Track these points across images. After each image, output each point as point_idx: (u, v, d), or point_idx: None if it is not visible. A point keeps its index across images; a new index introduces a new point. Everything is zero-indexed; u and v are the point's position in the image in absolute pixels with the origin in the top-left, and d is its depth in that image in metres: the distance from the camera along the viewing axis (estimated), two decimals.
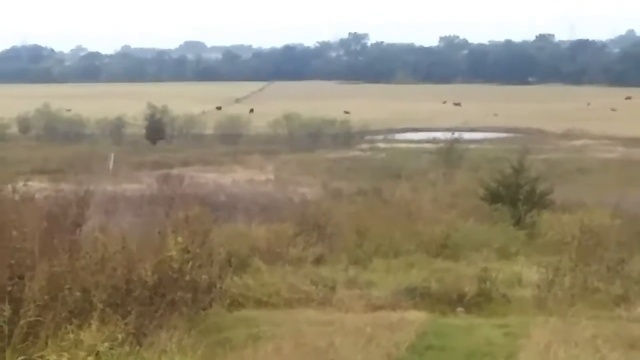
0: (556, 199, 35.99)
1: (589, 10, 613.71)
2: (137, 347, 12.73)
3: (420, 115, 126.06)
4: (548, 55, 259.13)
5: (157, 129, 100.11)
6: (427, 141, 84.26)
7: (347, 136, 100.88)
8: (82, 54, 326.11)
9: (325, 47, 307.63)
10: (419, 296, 18.83)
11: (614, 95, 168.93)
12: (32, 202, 15.30)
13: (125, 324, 12.91)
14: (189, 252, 14.73)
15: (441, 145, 69.40)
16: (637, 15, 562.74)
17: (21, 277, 12.80)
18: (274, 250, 23.76)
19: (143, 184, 53.45)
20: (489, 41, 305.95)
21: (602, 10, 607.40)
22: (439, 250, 26.60)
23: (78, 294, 13.06)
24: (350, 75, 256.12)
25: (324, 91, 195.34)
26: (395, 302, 18.46)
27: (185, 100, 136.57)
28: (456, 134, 69.56)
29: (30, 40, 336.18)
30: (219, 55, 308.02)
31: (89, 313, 12.86)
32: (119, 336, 12.54)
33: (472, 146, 76.94)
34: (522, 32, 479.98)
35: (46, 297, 12.68)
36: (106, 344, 12.28)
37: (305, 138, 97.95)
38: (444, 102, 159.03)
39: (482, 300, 18.83)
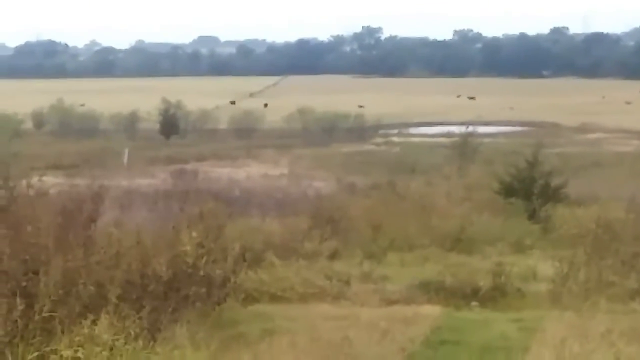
0: (571, 192, 35.89)
1: (603, 3, 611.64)
2: (152, 342, 12.75)
3: (435, 109, 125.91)
4: (562, 49, 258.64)
5: (171, 123, 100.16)
6: (442, 135, 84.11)
7: (361, 130, 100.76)
8: (96, 49, 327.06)
9: (339, 41, 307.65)
10: (433, 290, 18.81)
11: (629, 89, 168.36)
12: (46, 197, 15.32)
13: (140, 319, 12.92)
14: (203, 247, 14.74)
15: (455, 139, 69.23)
16: None
17: (36, 272, 12.83)
18: (288, 245, 23.80)
19: (157, 179, 53.55)
20: (503, 34, 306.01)
21: (616, 3, 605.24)
22: (453, 245, 26.61)
23: (92, 288, 13.08)
24: (364, 69, 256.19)
25: (338, 85, 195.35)
26: (410, 297, 18.46)
27: (199, 95, 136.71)
28: (470, 128, 69.40)
29: (45, 36, 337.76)
30: (233, 50, 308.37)
31: (104, 308, 12.87)
32: (133, 331, 12.56)
33: (486, 140, 76.71)
34: (536, 25, 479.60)
35: (61, 292, 12.71)
36: (121, 339, 12.29)
37: (320, 132, 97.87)
38: (458, 96, 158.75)
39: (496, 295, 18.81)
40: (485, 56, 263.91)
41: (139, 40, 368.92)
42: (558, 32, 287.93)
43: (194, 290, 14.33)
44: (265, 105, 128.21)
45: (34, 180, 15.80)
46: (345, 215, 28.84)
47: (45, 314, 12.43)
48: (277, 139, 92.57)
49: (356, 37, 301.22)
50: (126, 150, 75.91)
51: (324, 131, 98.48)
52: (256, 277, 18.35)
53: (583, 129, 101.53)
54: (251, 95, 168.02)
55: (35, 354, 12.07)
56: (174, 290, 14.01)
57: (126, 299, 13.29)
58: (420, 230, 27.84)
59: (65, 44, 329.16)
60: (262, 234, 24.72)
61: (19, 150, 71.82)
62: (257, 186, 50.41)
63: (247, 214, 30.72)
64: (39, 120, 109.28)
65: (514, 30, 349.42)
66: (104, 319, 12.51)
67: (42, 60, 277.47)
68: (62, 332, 12.38)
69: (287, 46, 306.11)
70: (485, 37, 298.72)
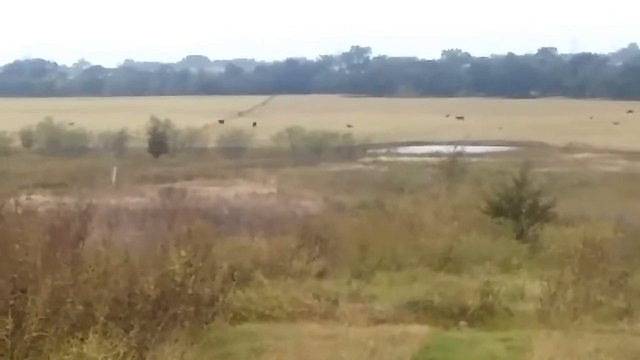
0: (559, 212, 35.95)
1: (591, 23, 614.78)
2: None
3: (423, 129, 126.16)
4: (550, 69, 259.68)
5: (159, 142, 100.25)
6: (430, 154, 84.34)
7: (349, 149, 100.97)
8: (85, 67, 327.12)
9: (327, 60, 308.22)
10: (421, 310, 18.78)
11: (616, 109, 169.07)
12: (34, 215, 15.29)
13: (128, 338, 12.89)
14: (191, 265, 14.71)
15: (444, 158, 69.21)
16: (639, 28, 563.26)
17: (24, 291, 12.80)
18: (276, 264, 23.71)
19: (146, 197, 53.53)
20: (491, 54, 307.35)
21: (604, 24, 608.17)
22: (441, 264, 26.55)
23: (80, 307, 13.04)
24: (353, 88, 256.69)
25: (327, 104, 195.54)
26: (398, 316, 18.42)
27: (188, 114, 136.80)
28: (459, 148, 69.41)
29: (34, 54, 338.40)
30: (222, 69, 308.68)
31: (92, 327, 12.84)
32: (122, 350, 12.53)
33: (474, 160, 76.92)
34: (524, 45, 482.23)
35: (49, 310, 12.67)
36: (109, 358, 12.26)
37: (308, 151, 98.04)
38: (447, 116, 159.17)
39: (484, 314, 18.78)
40: (474, 76, 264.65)
41: (128, 59, 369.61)
42: (546, 53, 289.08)
43: (182, 309, 14.29)
44: (254, 124, 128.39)
45: (22, 198, 15.78)
46: (333, 235, 28.79)
47: (34, 333, 12.40)
48: (266, 158, 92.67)
49: (345, 56, 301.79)
50: (115, 169, 75.84)
51: (313, 150, 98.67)
52: (244, 296, 18.30)
53: (571, 148, 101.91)
54: (240, 114, 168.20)
55: None
56: (162, 309, 13.97)
57: (114, 318, 13.26)
58: (409, 250, 27.80)
59: (54, 63, 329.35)
60: (250, 252, 24.65)
61: (7, 168, 71.88)
62: (246, 205, 50.47)
63: (235, 233, 30.66)
64: (27, 138, 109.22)
65: (502, 50, 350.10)
66: (92, 338, 12.49)
67: (30, 79, 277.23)
68: (51, 351, 12.36)
69: (276, 65, 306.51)
70: (474, 57, 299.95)
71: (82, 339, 12.51)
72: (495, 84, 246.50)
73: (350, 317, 18.24)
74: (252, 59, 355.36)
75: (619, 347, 14.95)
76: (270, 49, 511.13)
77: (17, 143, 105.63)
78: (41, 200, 27.13)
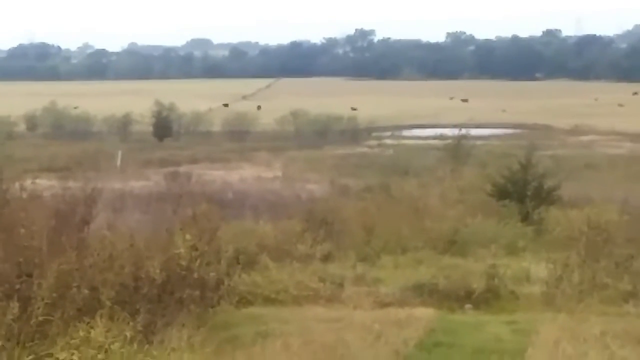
0: (564, 194, 35.91)
1: (596, 5, 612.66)
2: (146, 345, 12.73)
3: (428, 112, 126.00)
4: (555, 51, 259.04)
5: (164, 126, 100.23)
6: (435, 137, 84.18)
7: (354, 133, 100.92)
8: (89, 51, 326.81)
9: (331, 43, 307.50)
10: (427, 293, 18.79)
11: (621, 91, 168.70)
12: (39, 200, 15.28)
13: (134, 322, 12.90)
14: (197, 249, 14.70)
15: (448, 141, 69.08)
16: None
17: (30, 275, 12.81)
18: (281, 247, 23.74)
19: (151, 181, 53.56)
20: (495, 37, 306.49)
21: (609, 6, 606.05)
22: (446, 247, 26.58)
23: (86, 291, 13.05)
24: (357, 71, 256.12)
25: (331, 88, 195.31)
26: (403, 299, 18.44)
27: (192, 98, 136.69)
28: (463, 130, 69.24)
29: (37, 38, 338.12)
30: (226, 52, 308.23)
31: (98, 311, 12.85)
32: (128, 334, 12.54)
33: (479, 142, 76.73)
34: (529, 27, 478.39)
35: (55, 295, 12.68)
36: (116, 342, 12.28)
37: (313, 135, 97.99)
38: (451, 98, 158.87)
39: (490, 297, 18.79)
40: (478, 58, 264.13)
41: (132, 42, 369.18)
42: (551, 35, 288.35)
43: (187, 293, 14.31)
44: (259, 107, 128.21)
45: (27, 182, 15.77)
46: (338, 218, 28.81)
47: (40, 318, 12.42)
48: (271, 141, 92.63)
49: (349, 39, 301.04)
50: (119, 153, 75.88)
51: (317, 134, 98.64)
52: (250, 280, 18.33)
53: (576, 131, 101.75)
54: (244, 97, 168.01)
55: (31, 357, 12.05)
56: (167, 293, 13.98)
57: (120, 302, 13.27)
58: (414, 233, 27.82)
59: (58, 47, 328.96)
60: (255, 236, 24.68)
61: (12, 152, 71.76)
62: (251, 189, 50.47)
63: (240, 217, 30.69)
64: (31, 122, 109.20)
65: (507, 32, 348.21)
66: (99, 322, 12.50)
67: (34, 63, 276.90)
68: (57, 335, 12.37)
69: (280, 48, 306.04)
70: (478, 39, 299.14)
71: (88, 323, 12.52)
72: (500, 67, 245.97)
73: (356, 300, 18.27)
74: (256, 42, 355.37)
75: (625, 329, 14.95)
76: (274, 31, 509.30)
77: (22, 127, 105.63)
78: (46, 184, 27.10)
